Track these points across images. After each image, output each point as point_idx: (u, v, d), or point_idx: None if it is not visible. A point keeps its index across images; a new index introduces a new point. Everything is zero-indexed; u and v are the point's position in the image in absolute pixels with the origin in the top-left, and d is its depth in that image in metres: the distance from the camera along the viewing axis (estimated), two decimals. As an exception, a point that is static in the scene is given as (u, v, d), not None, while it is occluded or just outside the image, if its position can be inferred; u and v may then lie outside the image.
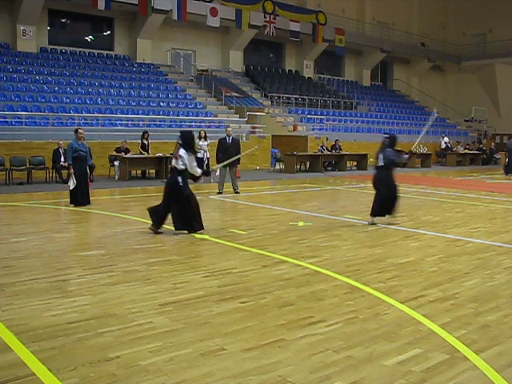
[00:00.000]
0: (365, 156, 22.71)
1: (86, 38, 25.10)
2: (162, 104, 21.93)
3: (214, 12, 25.03)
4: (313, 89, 30.46)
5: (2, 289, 5.23)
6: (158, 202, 8.38)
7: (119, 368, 3.57)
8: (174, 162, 8.14)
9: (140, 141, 16.84)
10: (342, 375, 3.53)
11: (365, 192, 14.69)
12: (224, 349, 3.91)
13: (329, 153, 21.75)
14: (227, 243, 7.58)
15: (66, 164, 11.96)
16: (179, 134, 8.37)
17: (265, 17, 27.01)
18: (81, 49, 24.11)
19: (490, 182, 19.00)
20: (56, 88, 20.09)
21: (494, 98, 37.22)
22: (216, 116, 22.44)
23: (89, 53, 24.13)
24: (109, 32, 25.40)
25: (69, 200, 10.89)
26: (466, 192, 14.97)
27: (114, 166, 16.31)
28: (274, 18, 27.28)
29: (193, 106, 22.96)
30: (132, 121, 19.87)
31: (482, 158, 29.38)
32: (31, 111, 17.83)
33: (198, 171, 8.22)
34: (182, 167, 8.04)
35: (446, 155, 27.86)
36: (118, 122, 19.29)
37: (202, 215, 8.32)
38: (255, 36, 27.74)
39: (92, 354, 3.76)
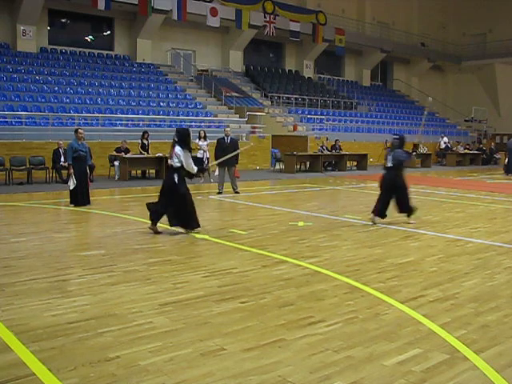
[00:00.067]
0: (365, 156, 22.73)
1: (86, 38, 25.10)
2: (162, 104, 21.93)
3: (214, 12, 25.03)
4: (313, 89, 30.46)
5: (2, 289, 5.23)
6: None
7: (119, 368, 3.57)
8: (170, 160, 8.17)
9: (140, 141, 16.85)
10: (341, 375, 3.53)
11: (365, 192, 14.70)
12: (224, 349, 3.91)
13: (329, 153, 21.76)
14: (227, 243, 7.58)
15: (66, 164, 11.96)
16: (175, 131, 8.42)
17: (265, 17, 27.02)
18: (81, 49, 24.11)
19: (490, 182, 19.00)
20: (56, 88, 20.10)
21: (493, 98, 37.23)
22: (216, 116, 22.44)
23: (89, 53, 24.13)
24: (109, 32, 25.41)
25: (69, 200, 10.89)
26: (466, 192, 14.97)
27: (114, 165, 16.31)
28: (274, 18, 27.28)
29: (193, 106, 22.97)
30: (132, 121, 19.87)
31: (481, 158, 29.38)
32: (31, 111, 17.83)
33: (194, 168, 8.23)
34: (178, 165, 8.05)
35: (445, 155, 27.87)
36: (117, 122, 19.30)
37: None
38: (255, 36, 27.74)
39: (92, 354, 3.76)
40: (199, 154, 15.77)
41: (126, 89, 22.16)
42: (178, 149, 8.04)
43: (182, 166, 8.05)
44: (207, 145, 16.54)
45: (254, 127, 22.68)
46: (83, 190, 10.94)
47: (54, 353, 3.77)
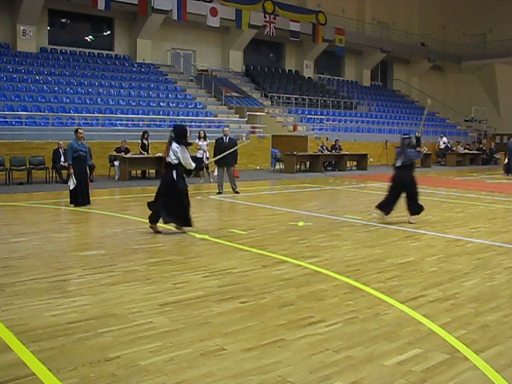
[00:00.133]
0: (365, 156, 22.73)
1: (86, 38, 25.09)
2: (161, 104, 21.93)
3: (214, 12, 25.03)
4: (313, 89, 30.46)
5: (2, 289, 5.23)
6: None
7: (119, 368, 3.57)
8: (167, 157, 8.17)
9: (140, 141, 16.85)
10: (342, 375, 3.53)
11: (365, 192, 14.71)
12: (224, 349, 3.91)
13: (329, 153, 21.76)
14: (227, 243, 7.58)
15: (66, 164, 11.96)
16: (172, 128, 8.42)
17: (265, 17, 27.02)
18: (81, 49, 24.11)
19: (490, 182, 19.00)
20: (56, 88, 20.09)
21: (493, 98, 37.23)
22: (216, 116, 22.44)
23: (89, 53, 24.13)
24: (109, 32, 25.40)
25: (69, 200, 10.89)
26: (466, 192, 14.97)
27: (114, 166, 16.31)
28: (274, 18, 27.28)
29: (193, 106, 22.96)
30: (132, 121, 19.87)
31: (481, 158, 29.39)
32: (31, 111, 17.83)
33: (192, 164, 8.22)
34: (176, 161, 8.05)
35: (445, 155, 27.87)
36: (117, 122, 19.29)
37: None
38: (255, 36, 27.74)
39: (92, 354, 3.76)
40: (199, 154, 15.75)
41: (125, 89, 22.16)
42: (174, 145, 8.04)
43: (180, 162, 8.06)
44: (207, 145, 16.53)
45: (254, 127, 22.67)
46: (83, 190, 10.94)
47: (53, 353, 3.77)
